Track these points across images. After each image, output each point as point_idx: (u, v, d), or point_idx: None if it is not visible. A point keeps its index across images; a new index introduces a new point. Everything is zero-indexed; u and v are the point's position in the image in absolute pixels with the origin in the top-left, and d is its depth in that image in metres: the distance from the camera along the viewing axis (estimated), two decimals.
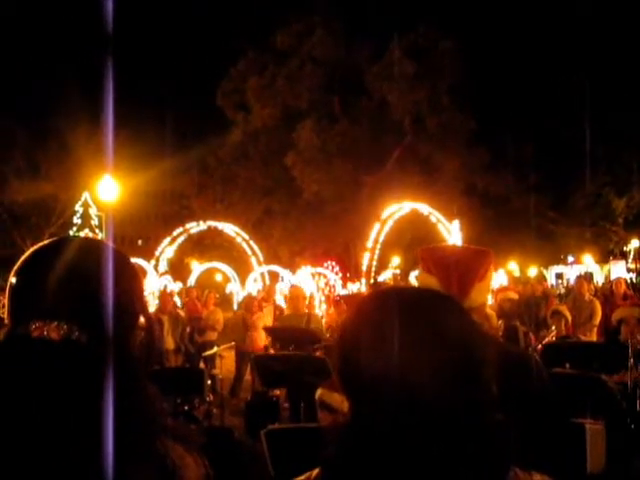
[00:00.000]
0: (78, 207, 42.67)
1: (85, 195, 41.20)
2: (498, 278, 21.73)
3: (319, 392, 4.25)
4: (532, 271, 40.31)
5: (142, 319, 1.52)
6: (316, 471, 1.48)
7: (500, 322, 9.28)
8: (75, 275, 1.36)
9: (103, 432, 1.24)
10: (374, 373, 1.34)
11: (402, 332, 1.35)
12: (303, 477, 1.51)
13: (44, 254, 1.43)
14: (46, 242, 1.49)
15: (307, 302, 14.61)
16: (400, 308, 1.40)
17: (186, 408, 8.60)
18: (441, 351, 1.35)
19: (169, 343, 13.06)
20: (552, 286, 32.35)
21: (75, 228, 41.19)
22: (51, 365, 1.29)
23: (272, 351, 10.94)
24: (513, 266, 40.62)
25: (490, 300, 10.52)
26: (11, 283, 1.42)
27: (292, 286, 14.06)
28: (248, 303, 13.59)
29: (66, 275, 1.35)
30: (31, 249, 1.47)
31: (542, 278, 35.95)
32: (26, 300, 1.37)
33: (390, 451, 1.33)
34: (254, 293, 19.83)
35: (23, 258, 1.44)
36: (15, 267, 1.43)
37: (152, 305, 14.12)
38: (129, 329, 1.44)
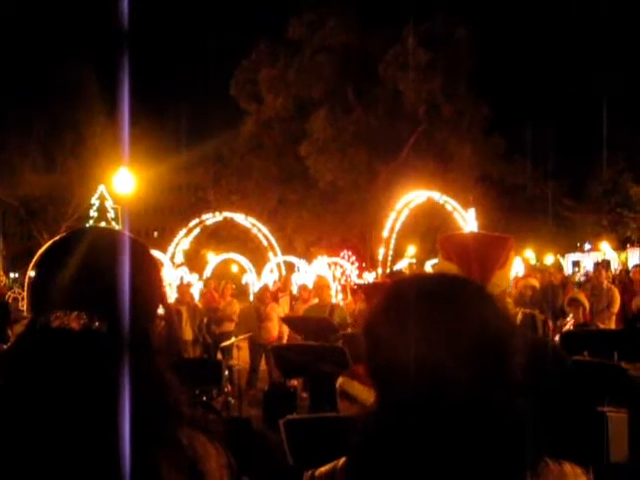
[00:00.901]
0: (94, 200, 42.84)
1: (101, 188, 41.35)
2: (515, 266, 21.65)
3: (340, 381, 4.23)
4: (549, 259, 40.12)
5: (161, 309, 1.52)
6: (342, 460, 1.47)
7: (518, 309, 9.23)
8: (94, 265, 1.36)
9: (122, 420, 1.25)
10: (399, 361, 1.33)
11: (425, 319, 1.34)
12: (329, 466, 1.50)
13: (63, 245, 1.43)
14: (65, 233, 1.49)
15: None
16: (423, 295, 1.39)
17: (204, 399, 8.61)
18: (465, 338, 1.33)
19: (187, 334, 13.11)
20: (568, 274, 32.17)
21: (91, 221, 41.34)
22: (71, 354, 1.30)
23: (294, 340, 10.96)
24: (529, 254, 40.43)
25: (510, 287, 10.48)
26: (30, 275, 1.42)
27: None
28: (261, 294, 13.59)
29: (86, 265, 1.35)
30: (50, 241, 1.46)
31: (559, 266, 35.78)
32: (46, 291, 1.36)
33: (417, 438, 1.32)
34: (270, 284, 19.86)
35: (42, 250, 1.44)
36: (34, 259, 1.43)
37: (170, 297, 14.17)
38: (149, 319, 1.44)
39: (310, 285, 14.70)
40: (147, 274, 1.44)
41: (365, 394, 3.83)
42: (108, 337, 1.33)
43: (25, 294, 1.43)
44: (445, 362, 1.31)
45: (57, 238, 1.48)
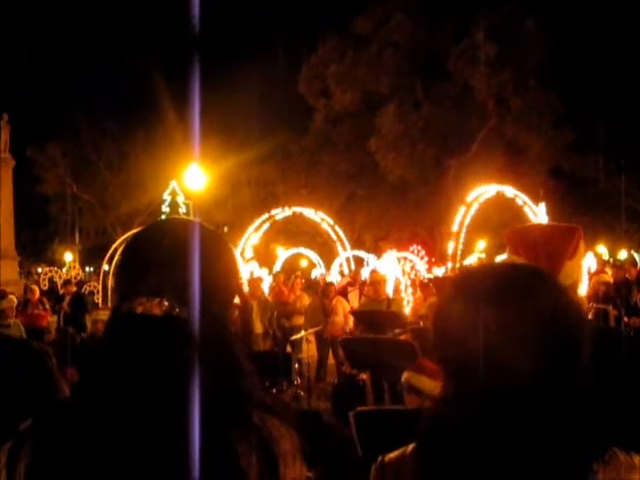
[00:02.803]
0: (166, 196, 43.57)
1: (173, 184, 42.03)
2: (587, 261, 21.20)
3: (406, 375, 4.26)
4: (622, 254, 39.16)
5: (237, 299, 1.59)
6: (411, 447, 1.50)
7: (592, 304, 9.10)
8: (176, 254, 1.42)
9: (201, 402, 1.31)
10: (470, 350, 1.37)
11: (497, 309, 1.37)
12: (398, 452, 1.54)
13: (147, 235, 1.50)
14: (148, 225, 1.58)
15: (394, 287, 14.59)
16: (495, 285, 1.42)
17: (274, 391, 8.71)
18: (536, 327, 1.36)
19: (258, 327, 13.28)
20: None
21: (163, 216, 42.01)
22: (153, 338, 1.36)
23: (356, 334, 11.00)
24: (602, 249, 39.53)
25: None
26: (117, 263, 1.51)
27: (372, 271, 14.04)
28: (325, 289, 13.66)
29: (168, 254, 1.41)
30: (134, 231, 1.56)
31: (633, 261, 34.88)
32: (131, 278, 1.44)
33: (487, 426, 1.36)
34: (339, 278, 19.91)
35: (129, 239, 1.53)
36: (122, 248, 1.52)
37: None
38: (226, 306, 1.50)
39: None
40: (224, 263, 1.50)
41: (432, 387, 3.85)
42: (188, 323, 1.39)
43: (111, 282, 1.52)
44: (516, 351, 1.35)
45: (141, 229, 1.57)
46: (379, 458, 1.57)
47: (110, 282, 21.28)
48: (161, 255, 1.42)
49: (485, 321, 1.36)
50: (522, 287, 1.42)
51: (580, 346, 1.39)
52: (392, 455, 1.57)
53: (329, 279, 18.69)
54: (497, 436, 1.35)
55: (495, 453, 1.35)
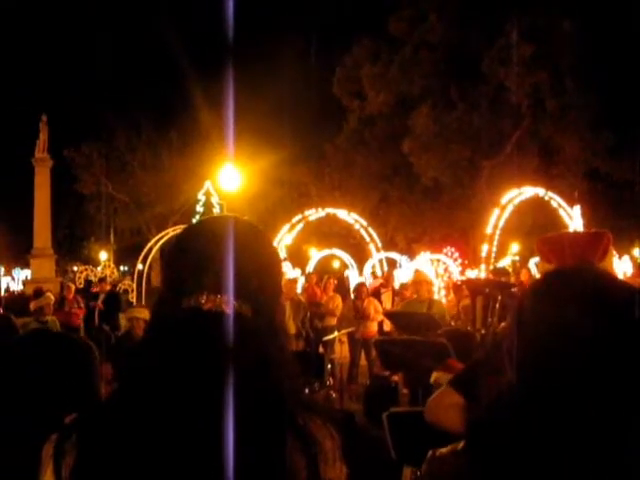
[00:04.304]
0: (200, 196, 43.78)
1: (207, 184, 42.24)
2: (622, 265, 20.98)
3: (435, 375, 4.28)
4: None
5: None
6: (462, 443, 1.53)
7: None
8: (239, 252, 1.45)
9: (251, 402, 1.34)
10: (555, 353, 1.41)
11: (590, 317, 1.41)
12: (449, 447, 1.56)
13: (207, 230, 1.52)
14: (202, 220, 1.62)
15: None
16: (581, 292, 1.46)
17: (307, 392, 8.74)
18: (613, 331, 1.40)
19: (291, 328, 13.32)
20: None
21: (197, 216, 42.25)
22: (223, 335, 1.38)
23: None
24: (638, 253, 39.02)
25: None
26: (174, 257, 1.52)
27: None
28: (358, 290, 13.67)
29: (228, 251, 1.44)
30: (191, 225, 1.59)
31: None
32: (193, 274, 1.45)
33: (559, 425, 1.39)
34: (371, 280, 19.90)
35: (184, 233, 1.56)
36: (177, 241, 1.54)
37: None
38: (278, 305, 1.53)
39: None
40: (277, 262, 1.56)
41: None
42: (253, 321, 1.43)
43: (163, 274, 1.54)
44: (595, 353, 1.39)
45: (195, 224, 1.60)
46: (430, 452, 1.60)
47: (144, 280, 21.43)
48: (222, 251, 1.43)
49: (575, 326, 1.41)
50: (606, 295, 1.47)
51: None
52: (443, 450, 1.59)
53: (360, 280, 18.70)
54: (565, 429, 1.38)
55: (561, 456, 1.37)
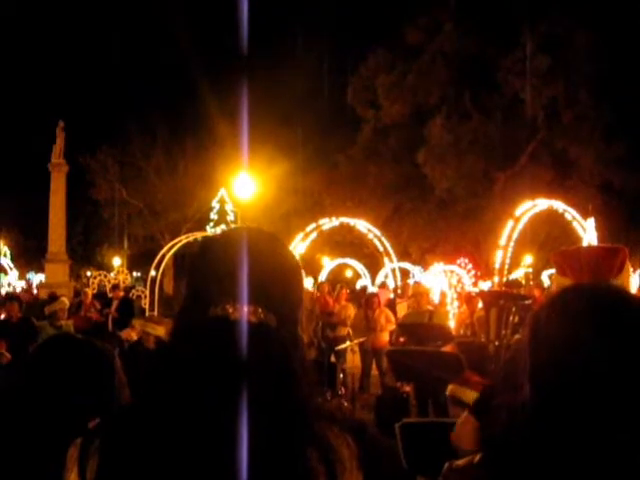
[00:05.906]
0: (215, 203, 43.86)
1: (222, 192, 42.32)
2: (636, 279, 20.85)
3: (450, 388, 4.29)
4: None
5: None
6: (478, 456, 1.54)
7: None
8: (264, 262, 1.48)
9: (272, 411, 1.37)
10: (567, 363, 1.43)
11: (600, 332, 1.43)
12: (466, 460, 1.57)
13: (231, 241, 1.54)
14: (226, 230, 1.67)
15: (440, 299, 14.54)
16: (596, 309, 1.48)
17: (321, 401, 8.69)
18: (629, 348, 1.41)
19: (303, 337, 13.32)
20: None
21: (212, 224, 42.33)
22: (253, 345, 1.40)
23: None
24: None
25: None
26: (198, 266, 1.55)
27: (415, 283, 14.05)
28: (369, 300, 13.64)
29: (252, 261, 1.46)
30: (214, 235, 1.61)
31: None
32: (219, 283, 1.47)
33: (574, 439, 1.40)
34: (376, 290, 19.88)
35: (208, 243, 1.58)
36: (202, 251, 1.56)
37: None
38: (299, 314, 1.57)
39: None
40: (299, 273, 1.58)
41: None
42: (277, 331, 1.46)
43: (187, 283, 1.56)
44: (610, 370, 1.40)
45: (219, 234, 1.63)
46: (446, 464, 1.61)
47: (157, 286, 21.49)
48: (247, 261, 1.45)
49: (591, 343, 1.42)
50: (622, 313, 1.48)
51: None
52: (460, 462, 1.60)
53: (371, 290, 18.69)
54: (582, 457, 1.38)
55: (577, 474, 1.38)
